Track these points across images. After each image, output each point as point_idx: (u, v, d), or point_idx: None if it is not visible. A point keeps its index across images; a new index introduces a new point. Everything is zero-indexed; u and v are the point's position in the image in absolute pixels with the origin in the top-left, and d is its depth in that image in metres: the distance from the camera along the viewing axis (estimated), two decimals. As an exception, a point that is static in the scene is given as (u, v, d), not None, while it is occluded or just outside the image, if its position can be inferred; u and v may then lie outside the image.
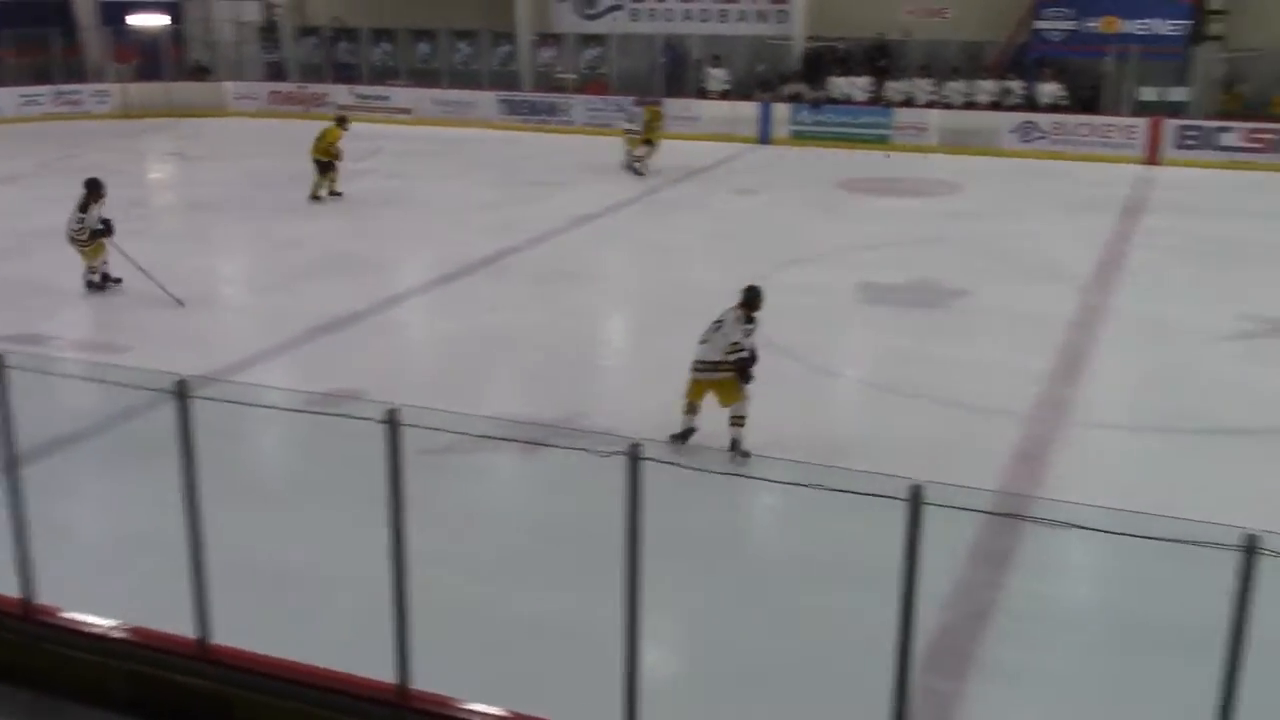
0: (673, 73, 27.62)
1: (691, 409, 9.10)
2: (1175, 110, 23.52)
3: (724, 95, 26.50)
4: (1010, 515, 7.93)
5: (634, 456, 4.83)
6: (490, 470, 8.99)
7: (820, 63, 26.40)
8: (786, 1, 26.94)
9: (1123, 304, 13.46)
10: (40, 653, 5.92)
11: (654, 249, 16.68)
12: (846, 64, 26.27)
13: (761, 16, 27.58)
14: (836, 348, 12.24)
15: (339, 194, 19.02)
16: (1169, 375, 11.15)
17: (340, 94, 29.09)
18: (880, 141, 24.65)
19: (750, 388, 8.90)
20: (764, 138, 25.46)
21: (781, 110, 25.66)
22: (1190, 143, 22.89)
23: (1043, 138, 23.67)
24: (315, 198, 18.82)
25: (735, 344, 8.85)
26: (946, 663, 6.46)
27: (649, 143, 21.53)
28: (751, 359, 8.90)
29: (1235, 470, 8.98)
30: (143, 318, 12.87)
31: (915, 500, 4.62)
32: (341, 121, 19.28)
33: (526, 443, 8.47)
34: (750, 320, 8.93)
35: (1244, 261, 15.38)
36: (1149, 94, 23.76)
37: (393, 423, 5.14)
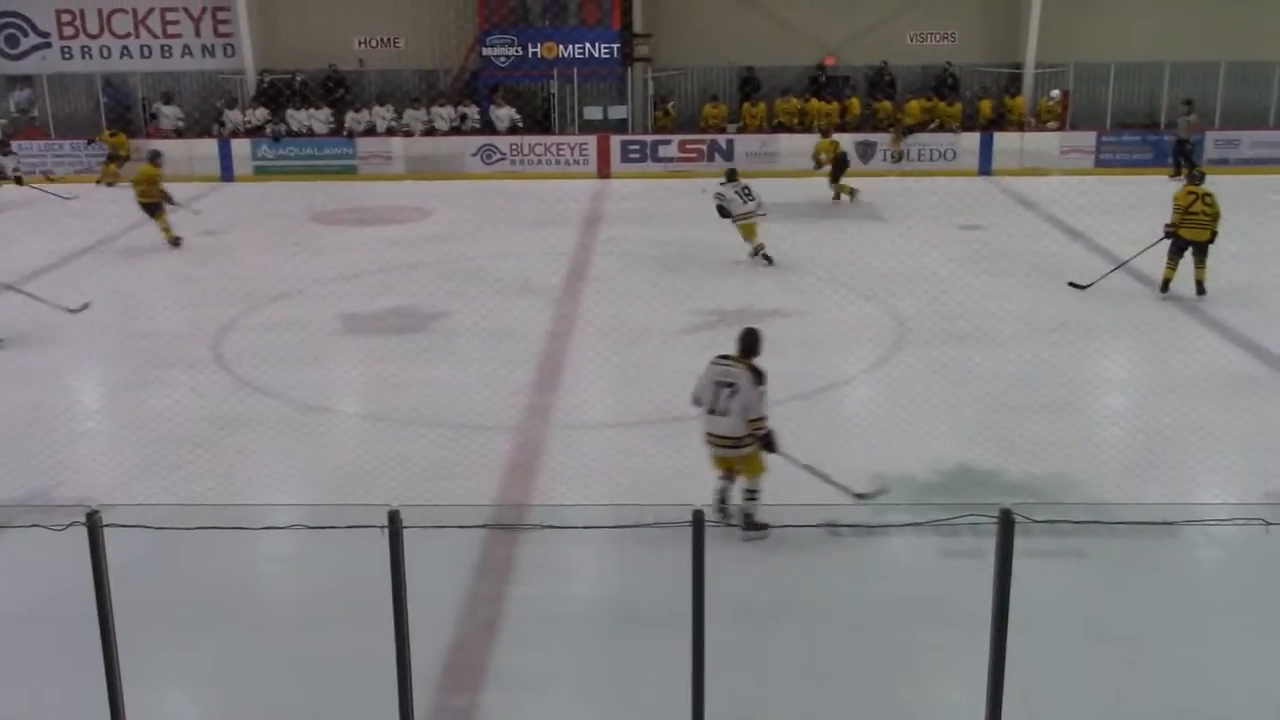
0: (117, 112, 26.02)
1: (728, 476, 8.29)
2: (618, 127, 25.43)
3: (178, 133, 25.36)
4: (500, 526, 8.23)
5: (93, 525, 4.54)
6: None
7: (278, 96, 25.92)
8: (231, 36, 26.22)
9: (591, 310, 14.33)
10: None
11: (120, 300, 15.58)
12: (305, 96, 25.99)
13: (208, 51, 26.66)
14: (323, 382, 12.08)
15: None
16: (637, 372, 12.01)
17: None
18: (348, 172, 24.64)
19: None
20: (226, 175, 24.61)
21: (242, 146, 24.94)
22: (634, 156, 24.85)
23: (503, 159, 24.70)
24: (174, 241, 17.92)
25: (760, 418, 8.04)
26: (463, 678, 6.59)
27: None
28: (769, 431, 8.09)
29: (700, 452, 9.85)
30: None
31: (394, 524, 4.70)
32: (155, 157, 18.37)
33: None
34: (761, 379, 8.10)
35: (690, 262, 16.88)
36: (594, 113, 25.54)
37: None
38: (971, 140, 24.83)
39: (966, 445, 9.80)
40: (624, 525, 5.08)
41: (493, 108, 25.32)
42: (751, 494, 8.15)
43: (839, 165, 21.47)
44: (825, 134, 22.80)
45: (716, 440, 8.14)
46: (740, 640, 6.60)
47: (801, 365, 11.83)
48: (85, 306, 13.46)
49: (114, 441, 10.74)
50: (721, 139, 24.98)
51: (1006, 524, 4.81)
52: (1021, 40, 25.71)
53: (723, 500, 8.28)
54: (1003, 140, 24.75)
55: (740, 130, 25.41)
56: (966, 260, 16.62)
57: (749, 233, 16.43)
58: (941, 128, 25.26)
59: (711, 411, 8.10)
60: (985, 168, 24.46)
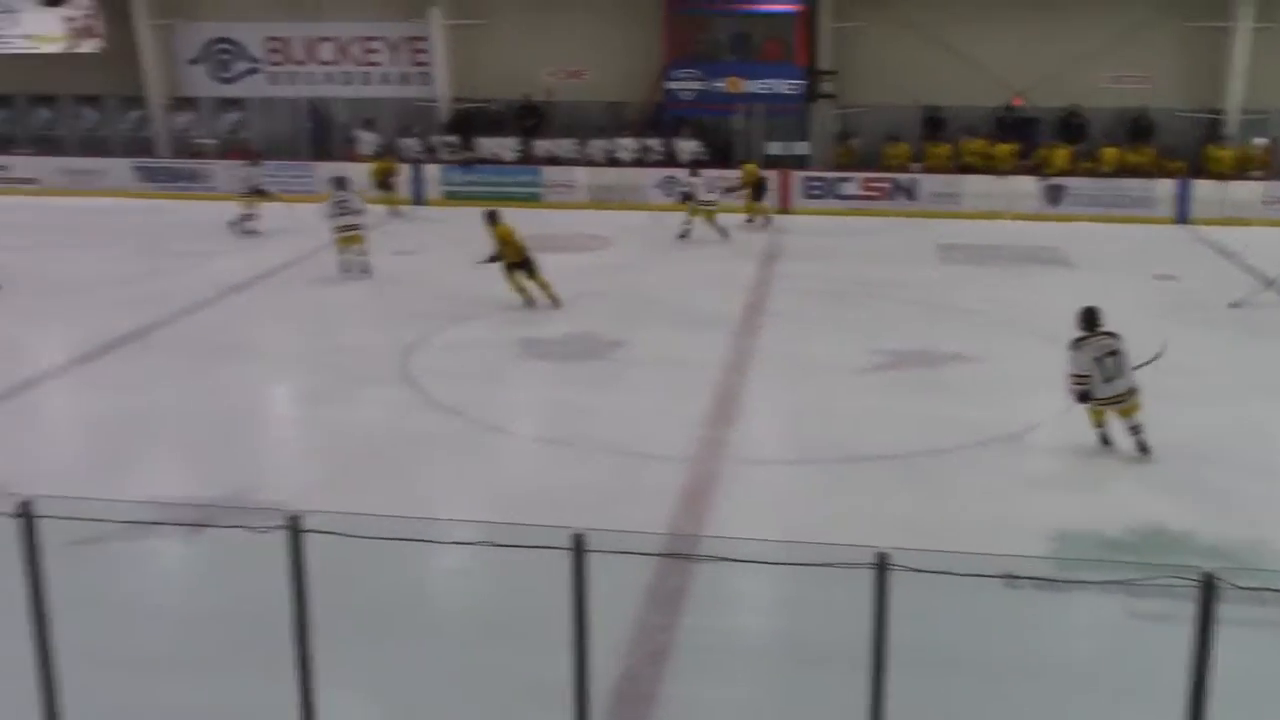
0: (319, 136, 27.18)
1: (1108, 422, 10.43)
2: (800, 163, 25.37)
3: (376, 157, 26.33)
4: (676, 555, 8.25)
5: (294, 529, 4.72)
6: (149, 557, 8.47)
7: (470, 124, 26.71)
8: (428, 65, 27.15)
9: (768, 345, 14.30)
10: None
11: (313, 314, 16.28)
12: (497, 125, 26.71)
13: (405, 79, 27.62)
14: (502, 403, 12.34)
15: None
16: (814, 409, 11.92)
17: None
18: (532, 199, 25.19)
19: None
20: (418, 198, 25.44)
21: (433, 171, 25.76)
22: (816, 192, 24.72)
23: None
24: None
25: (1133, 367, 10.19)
26: (630, 707, 6.62)
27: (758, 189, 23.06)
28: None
29: (878, 493, 9.72)
30: None
31: (578, 549, 4.75)
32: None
33: (184, 525, 8.06)
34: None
35: (871, 300, 16.70)
36: (775, 148, 25.53)
37: (26, 515, 4.79)
38: (1168, 187, 23.91)
39: (1158, 502, 9.40)
40: (804, 563, 5.01)
41: (677, 140, 25.56)
42: (1138, 427, 10.20)
43: (758, 189, 22.93)
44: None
45: (1118, 398, 10.17)
46: (908, 687, 6.45)
47: (984, 411, 11.58)
48: None
49: (305, 450, 11.18)
50: (904, 178, 24.68)
51: (1208, 589, 4.59)
52: (1222, 84, 24.67)
53: (1105, 440, 10.44)
54: (1202, 188, 23.76)
55: (924, 170, 25.05)
56: (1160, 309, 15.98)
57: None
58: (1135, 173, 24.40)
59: (1107, 380, 10.11)
60: (1183, 215, 23.53)
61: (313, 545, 5.06)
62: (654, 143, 25.81)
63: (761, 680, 7.06)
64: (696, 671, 7.08)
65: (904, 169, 25.07)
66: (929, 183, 24.60)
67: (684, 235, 21.02)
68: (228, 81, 28.27)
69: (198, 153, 27.26)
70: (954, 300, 16.51)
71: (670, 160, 25.51)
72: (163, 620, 7.65)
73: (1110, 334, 10.33)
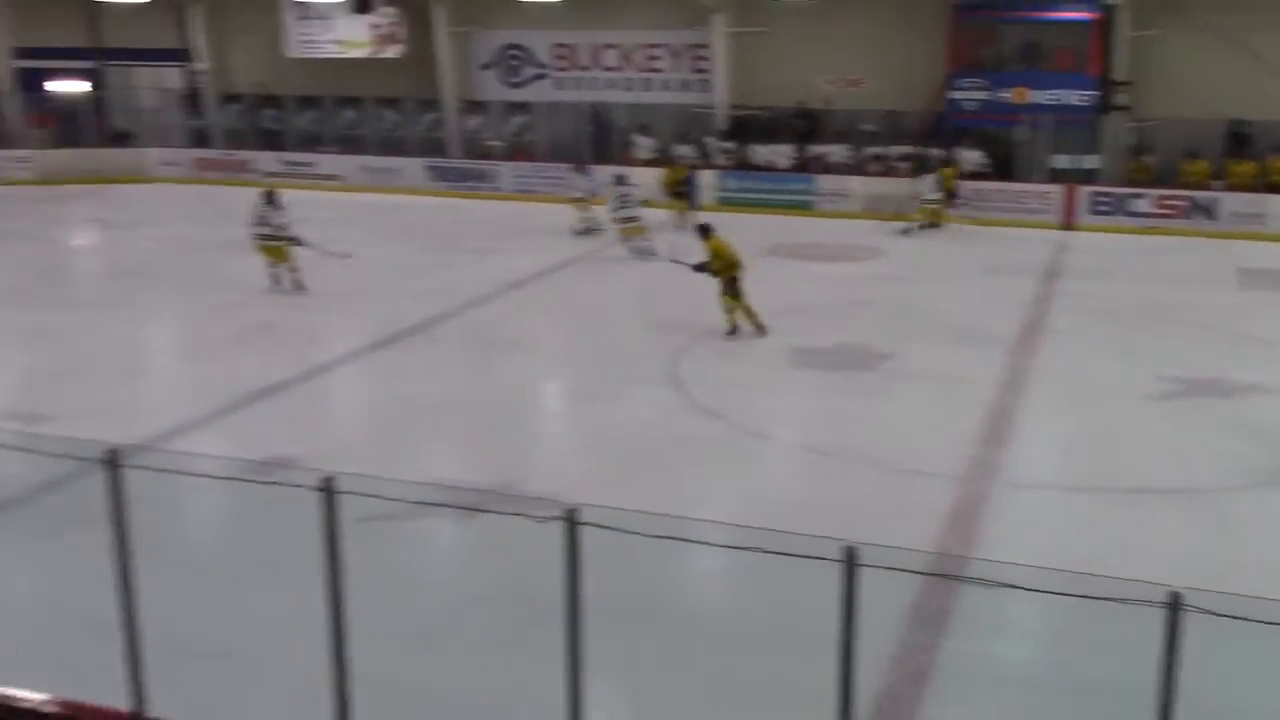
0: (599, 140, 27.92)
1: None
2: (1088, 177, 24.24)
3: (653, 163, 26.82)
4: (945, 576, 8.02)
5: (572, 521, 4.83)
6: (428, 537, 8.91)
7: (745, 130, 26.86)
8: (708, 72, 27.45)
9: (1046, 365, 13.74)
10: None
11: (588, 313, 16.76)
12: (771, 132, 26.75)
13: (685, 86, 28.01)
14: (768, 411, 12.33)
15: None
16: (1094, 435, 11.38)
17: (267, 160, 29.00)
18: (804, 208, 25.08)
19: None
20: (693, 204, 25.74)
21: (709, 177, 26.02)
22: (1103, 209, 23.56)
23: (963, 203, 24.19)
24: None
25: None
26: (889, 724, 6.50)
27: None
28: None
29: (1161, 527, 9.19)
30: (67, 386, 12.62)
31: (850, 562, 4.66)
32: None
33: (463, 509, 8.42)
34: None
35: (1160, 324, 15.81)
36: (1062, 161, 24.47)
37: (328, 490, 5.09)
38: None
39: None
40: (1084, 595, 4.77)
41: (960, 150, 24.91)
42: None
43: (684, 189, 24.06)
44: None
45: None
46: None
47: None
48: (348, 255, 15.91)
49: (574, 445, 11.51)
50: (1203, 195, 23.18)
51: None
52: None
53: None
54: None
55: (1226, 188, 23.47)
56: None
57: None
58: None
59: None
60: None
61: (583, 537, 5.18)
62: (933, 153, 25.22)
63: (1025, 712, 6.79)
64: (958, 696, 6.88)
65: (1204, 187, 23.57)
66: (1231, 201, 23.02)
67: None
68: (516, 86, 29.41)
69: (486, 154, 28.48)
70: (1253, 329, 15.42)
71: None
72: (439, 597, 8.03)
73: None
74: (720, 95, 27.32)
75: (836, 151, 25.86)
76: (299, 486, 5.19)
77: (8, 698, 5.77)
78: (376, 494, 5.45)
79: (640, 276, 18.82)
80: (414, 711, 6.54)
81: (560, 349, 15.30)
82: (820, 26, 26.17)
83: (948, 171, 23.41)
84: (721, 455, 10.86)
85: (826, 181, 25.42)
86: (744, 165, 26.22)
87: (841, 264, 20.26)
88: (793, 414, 12.46)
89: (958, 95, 25.01)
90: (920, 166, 24.17)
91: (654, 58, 28.24)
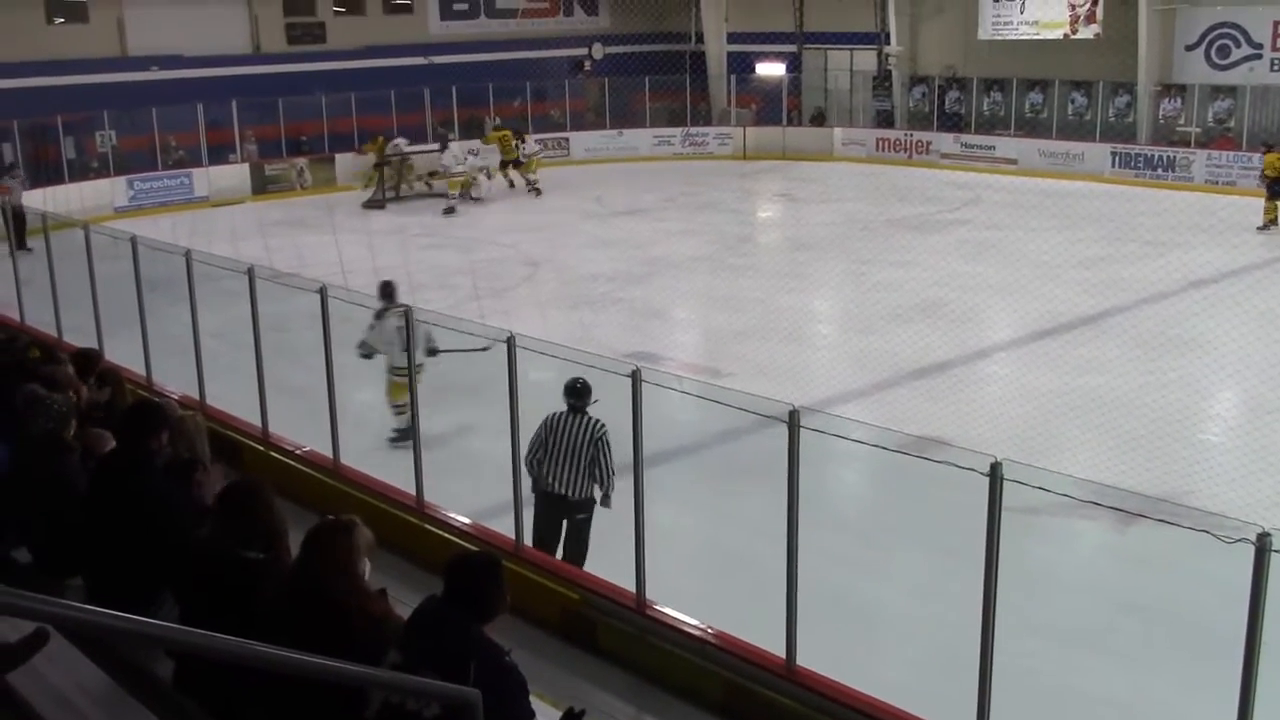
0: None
1: None
2: None
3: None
4: None
5: (1263, 549, 4.37)
6: (1078, 536, 8.57)
7: None
8: None
9: None
10: (647, 646, 6.37)
11: (1274, 322, 15.07)
12: None
13: None
14: None
15: None
16: None
17: (945, 142, 29.31)
18: None
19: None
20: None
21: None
22: None
23: None
24: None
25: None
26: None
27: None
28: None
29: None
30: (744, 347, 13.66)
31: None
32: None
33: (1127, 513, 7.95)
34: None
35: None
36: None
37: (996, 476, 5.03)
38: None
39: None
40: None
41: None
42: None
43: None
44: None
45: None
46: None
47: None
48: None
49: (1250, 460, 10.43)
50: None
51: None
52: None
53: None
54: None
55: None
56: None
57: None
58: None
59: None
60: None
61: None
62: None
63: None
64: None
65: None
66: None
67: None
68: (1224, 68, 27.05)
69: (1179, 140, 26.56)
70: None
71: None
72: (1084, 599, 7.70)
73: None
74: None
75: None
76: (968, 469, 5.15)
77: (680, 624, 6.35)
78: (1044, 487, 5.30)
79: None
80: (1044, 709, 6.34)
81: (1244, 357, 13.89)
82: None
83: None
84: None
85: None
86: None
87: None
88: None
89: None
90: None
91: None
